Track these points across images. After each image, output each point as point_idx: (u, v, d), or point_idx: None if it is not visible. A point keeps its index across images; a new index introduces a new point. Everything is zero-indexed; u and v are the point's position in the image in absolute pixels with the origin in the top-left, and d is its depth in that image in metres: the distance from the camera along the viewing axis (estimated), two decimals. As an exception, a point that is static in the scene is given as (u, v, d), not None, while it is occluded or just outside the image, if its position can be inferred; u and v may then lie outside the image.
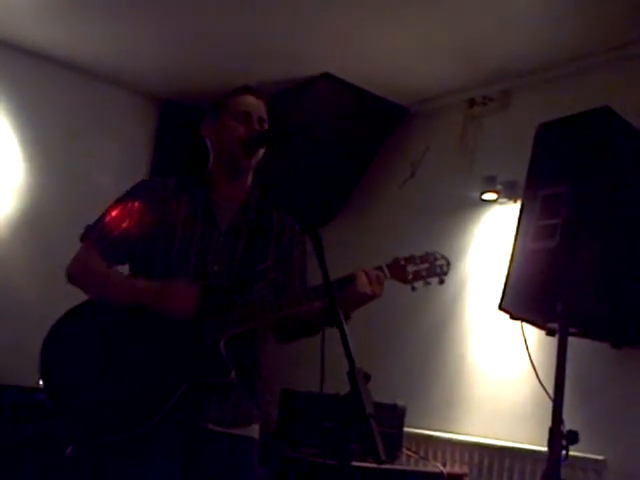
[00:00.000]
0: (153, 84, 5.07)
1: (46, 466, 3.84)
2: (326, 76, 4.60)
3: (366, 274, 2.16)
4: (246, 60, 4.54)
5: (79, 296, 2.24)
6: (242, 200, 2.34)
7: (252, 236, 2.31)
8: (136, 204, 2.28)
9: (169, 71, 4.86)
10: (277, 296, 2.25)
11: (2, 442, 4.01)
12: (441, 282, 2.26)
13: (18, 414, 4.03)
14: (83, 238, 2.30)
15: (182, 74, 4.86)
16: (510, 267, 2.78)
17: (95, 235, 2.28)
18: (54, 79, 4.80)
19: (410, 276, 2.22)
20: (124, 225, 2.27)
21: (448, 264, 2.27)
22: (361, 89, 4.71)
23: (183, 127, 4.95)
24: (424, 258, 2.25)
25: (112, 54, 4.72)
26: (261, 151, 2.31)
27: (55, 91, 4.80)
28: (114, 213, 2.30)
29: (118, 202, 2.32)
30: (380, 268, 2.21)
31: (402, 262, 2.23)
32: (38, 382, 2.17)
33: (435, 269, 2.25)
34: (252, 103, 2.33)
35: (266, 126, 2.33)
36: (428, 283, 2.24)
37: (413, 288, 2.23)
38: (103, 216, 2.30)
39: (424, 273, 2.23)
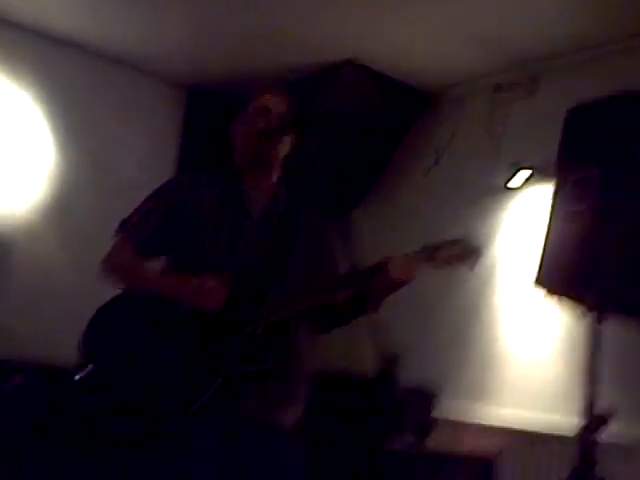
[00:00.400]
0: (180, 70, 5.08)
1: (85, 449, 3.90)
2: (350, 63, 4.60)
3: (398, 260, 2.16)
4: (271, 46, 4.55)
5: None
6: (271, 193, 2.37)
7: (283, 227, 2.33)
8: (168, 198, 2.33)
9: (195, 57, 4.88)
10: (308, 286, 2.26)
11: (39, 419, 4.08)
12: (471, 268, 2.24)
13: (55, 394, 4.08)
14: (118, 231, 2.34)
15: (208, 60, 4.87)
16: (544, 250, 2.78)
17: (128, 230, 2.32)
18: (83, 67, 4.83)
19: (441, 261, 2.20)
20: (158, 218, 2.31)
21: (479, 250, 2.24)
22: (385, 75, 4.70)
23: (210, 113, 4.97)
24: (454, 244, 2.23)
25: (139, 41, 4.75)
26: (286, 142, 2.34)
27: (84, 78, 4.83)
28: (146, 208, 2.34)
29: (151, 197, 2.36)
30: (411, 254, 2.20)
31: (432, 248, 2.21)
32: (79, 367, 2.21)
33: (465, 255, 2.23)
34: (271, 100, 2.37)
35: (289, 119, 2.33)
36: (458, 268, 2.22)
37: (445, 273, 2.23)
38: (136, 211, 2.35)
39: (454, 259, 2.21)
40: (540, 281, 2.76)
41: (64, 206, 4.69)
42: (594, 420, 2.52)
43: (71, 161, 4.76)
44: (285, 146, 2.35)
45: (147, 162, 4.76)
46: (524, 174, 4.15)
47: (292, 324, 2.32)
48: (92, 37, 4.74)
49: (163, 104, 5.21)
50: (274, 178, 2.40)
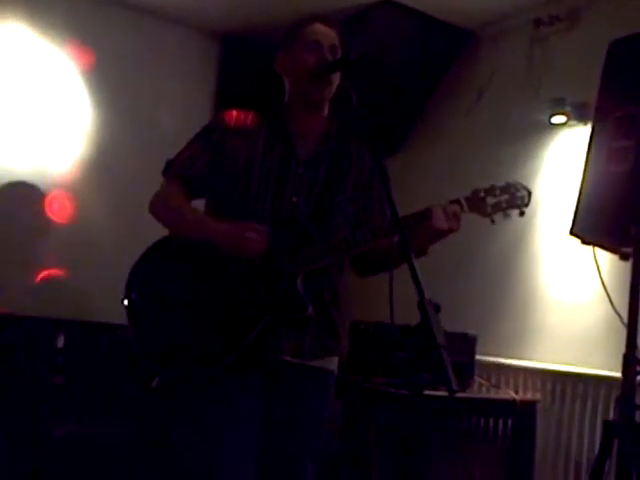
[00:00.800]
0: (213, 20, 5.02)
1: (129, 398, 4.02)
2: (387, 2, 4.50)
3: (443, 209, 2.10)
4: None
5: (152, 234, 2.29)
6: (321, 130, 2.32)
7: (332, 167, 2.28)
8: (216, 136, 2.30)
9: (228, 5, 4.81)
10: (354, 231, 2.22)
11: (85, 375, 4.20)
12: (521, 214, 2.17)
13: (106, 349, 4.20)
14: (165, 172, 2.34)
15: (242, 8, 4.80)
16: (581, 191, 2.71)
17: (176, 169, 2.31)
18: (116, 20, 4.81)
19: (490, 209, 2.14)
20: (206, 157, 2.29)
21: (529, 194, 2.17)
22: (423, 14, 4.58)
23: (246, 62, 4.93)
24: (505, 189, 2.16)
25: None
26: (335, 81, 2.27)
27: (117, 32, 4.81)
28: (196, 146, 2.33)
29: (199, 135, 2.35)
30: (458, 201, 2.14)
31: (481, 194, 2.15)
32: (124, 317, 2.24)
33: (516, 200, 2.15)
34: (321, 31, 2.28)
35: (340, 53, 2.27)
36: (508, 215, 2.16)
37: (492, 221, 2.16)
38: (185, 149, 2.33)
39: (504, 205, 2.15)
40: (576, 231, 2.70)
41: (103, 162, 4.71)
42: (636, 362, 2.49)
43: (108, 117, 4.77)
44: (334, 84, 2.28)
45: (184, 114, 4.76)
46: (566, 111, 4.03)
47: (336, 267, 2.31)
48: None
49: (198, 54, 5.16)
50: (324, 117, 2.34)
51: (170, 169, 2.33)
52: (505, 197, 2.15)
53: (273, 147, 2.27)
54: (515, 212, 2.17)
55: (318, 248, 2.16)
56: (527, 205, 2.17)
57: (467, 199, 2.15)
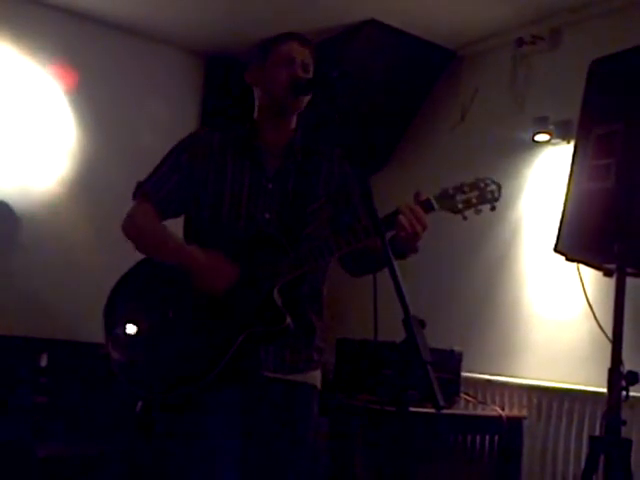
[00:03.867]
0: (197, 39, 5.05)
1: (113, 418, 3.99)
2: (372, 22, 4.54)
3: (405, 209, 2.11)
4: (290, 9, 4.49)
5: (136, 253, 2.29)
6: (287, 142, 2.33)
7: (301, 177, 2.29)
8: (185, 157, 2.31)
9: (212, 25, 4.83)
10: (335, 233, 2.21)
11: (68, 395, 4.17)
12: (492, 209, 2.17)
13: (89, 369, 4.17)
14: (135, 195, 2.34)
15: (225, 27, 4.83)
16: (565, 209, 2.73)
17: (148, 190, 2.31)
18: (100, 40, 4.82)
19: (460, 205, 2.15)
20: (175, 179, 2.30)
21: (499, 188, 2.18)
22: (407, 34, 4.63)
23: (229, 82, 4.95)
24: (474, 185, 2.17)
25: (156, 11, 4.71)
26: (306, 98, 2.29)
27: (102, 52, 4.82)
28: (164, 168, 2.33)
29: (167, 157, 2.35)
30: (428, 200, 2.15)
31: (450, 191, 2.16)
32: (104, 340, 2.23)
33: (486, 195, 2.16)
34: (296, 49, 2.31)
35: (311, 72, 2.30)
36: (479, 211, 2.17)
37: (464, 218, 2.16)
38: (154, 171, 2.34)
39: (474, 201, 2.16)
40: (560, 248, 2.72)
41: (87, 181, 4.71)
42: (621, 377, 2.50)
43: (92, 136, 4.77)
44: (305, 101, 2.30)
45: (169, 133, 4.70)
46: (549, 129, 4.07)
47: (320, 275, 2.30)
48: (110, 10, 4.71)
49: (182, 74, 5.19)
50: (291, 130, 2.35)
51: (140, 190, 2.32)
52: (475, 193, 2.16)
53: (242, 165, 2.28)
54: (486, 207, 2.17)
55: (291, 259, 2.15)
56: (497, 199, 2.18)
57: (437, 198, 2.16)
